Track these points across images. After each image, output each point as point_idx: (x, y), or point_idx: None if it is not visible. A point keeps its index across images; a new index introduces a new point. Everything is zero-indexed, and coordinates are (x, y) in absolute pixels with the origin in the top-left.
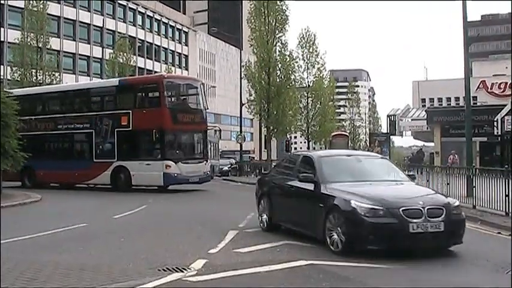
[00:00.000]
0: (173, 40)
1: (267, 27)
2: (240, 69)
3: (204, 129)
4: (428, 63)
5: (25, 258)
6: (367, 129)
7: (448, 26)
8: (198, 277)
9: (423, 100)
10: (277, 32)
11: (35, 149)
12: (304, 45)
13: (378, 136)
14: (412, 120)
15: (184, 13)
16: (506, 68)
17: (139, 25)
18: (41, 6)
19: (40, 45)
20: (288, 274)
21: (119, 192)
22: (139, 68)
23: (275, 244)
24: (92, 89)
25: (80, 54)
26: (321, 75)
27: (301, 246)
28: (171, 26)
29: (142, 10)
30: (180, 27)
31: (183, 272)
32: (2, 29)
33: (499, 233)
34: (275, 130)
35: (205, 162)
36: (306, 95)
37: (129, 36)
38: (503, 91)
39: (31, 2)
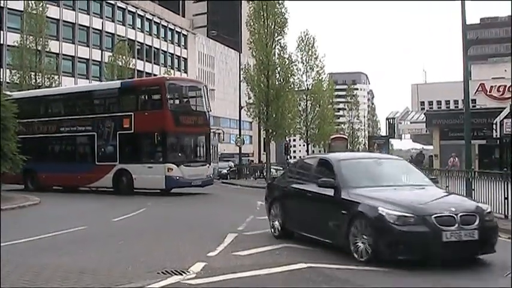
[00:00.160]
0: (172, 43)
1: (266, 30)
2: (239, 72)
3: (207, 132)
4: (427, 66)
5: (24, 261)
6: (366, 132)
7: (447, 29)
8: (197, 280)
9: (422, 103)
10: (276, 35)
11: (37, 151)
12: (303, 48)
13: (377, 139)
14: (411, 123)
15: (184, 16)
16: (505, 71)
17: (138, 28)
18: (40, 9)
19: (39, 48)
20: (288, 277)
21: (119, 196)
22: (138, 71)
23: (274, 247)
24: (94, 91)
25: (79, 57)
26: (320, 78)
27: (301, 249)
28: (170, 28)
29: (142, 13)
30: (179, 30)
31: (182, 275)
32: (1, 31)
33: (499, 235)
34: (274, 133)
35: (208, 165)
36: (305, 98)
37: (128, 39)
38: (502, 94)
39: (30, 4)
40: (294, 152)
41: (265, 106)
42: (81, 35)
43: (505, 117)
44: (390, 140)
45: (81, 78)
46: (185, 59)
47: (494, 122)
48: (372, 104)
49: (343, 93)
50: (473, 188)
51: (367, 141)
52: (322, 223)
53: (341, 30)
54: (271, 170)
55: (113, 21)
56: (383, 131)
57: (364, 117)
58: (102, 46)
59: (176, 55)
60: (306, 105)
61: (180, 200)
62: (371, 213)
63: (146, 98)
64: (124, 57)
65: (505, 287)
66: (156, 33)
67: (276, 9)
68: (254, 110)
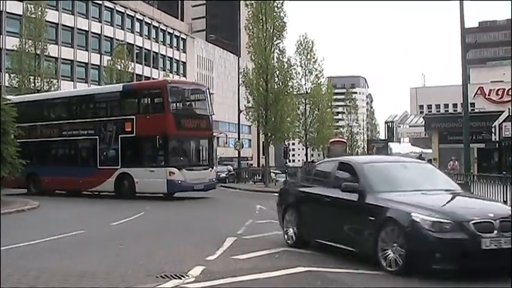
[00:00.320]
0: (171, 47)
1: (265, 34)
2: (238, 75)
3: (209, 135)
4: (426, 69)
5: (23, 264)
6: (365, 136)
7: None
8: (196, 284)
9: (421, 107)
10: (275, 38)
11: (39, 155)
12: (302, 51)
13: (376, 142)
14: (410, 126)
15: (182, 20)
16: (504, 74)
17: (137, 32)
18: (39, 13)
19: (38, 52)
20: (287, 281)
21: (119, 200)
22: (137, 75)
23: (273, 251)
24: (96, 94)
25: (78, 61)
26: (319, 81)
27: (300, 253)
28: (169, 32)
29: (140, 17)
30: (178, 34)
31: (181, 278)
32: (0, 36)
33: None
34: (273, 137)
35: (210, 169)
36: (303, 101)
37: (127, 43)
38: (501, 97)
39: (29, 8)
40: (293, 155)
41: (264, 110)
42: (80, 39)
43: (504, 121)
44: (389, 143)
45: (80, 82)
46: (184, 63)
47: (493, 125)
48: (371, 107)
49: (342, 96)
50: (472, 191)
51: (366, 145)
52: (344, 230)
53: (340, 33)
54: (271, 173)
55: (111, 25)
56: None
57: (363, 120)
58: (101, 50)
59: (175, 59)
60: (305, 108)
61: (179, 204)
62: (403, 219)
63: (148, 101)
64: (123, 61)
65: (505, 287)
66: (154, 37)
67: (274, 13)
68: (253, 113)
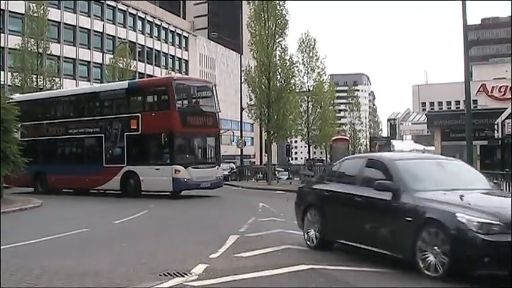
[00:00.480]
0: (173, 45)
1: (267, 32)
2: (240, 73)
3: (216, 133)
4: (429, 67)
5: (25, 263)
6: (368, 133)
7: (448, 30)
8: (199, 282)
9: (423, 104)
10: (277, 36)
11: (46, 154)
12: (304, 49)
13: (379, 140)
14: (412, 124)
15: (184, 18)
16: (507, 71)
17: (139, 30)
18: (41, 11)
19: (40, 50)
20: (289, 278)
21: (124, 198)
22: (139, 73)
23: (276, 248)
24: (101, 92)
25: (80, 60)
26: (321, 79)
27: (302, 251)
28: (171, 31)
29: (142, 15)
30: (180, 32)
31: (184, 276)
32: (2, 34)
33: None
34: (275, 134)
35: (217, 167)
36: (306, 99)
37: (129, 41)
38: (503, 94)
39: (31, 7)
40: (296, 153)
41: (266, 108)
42: (82, 37)
43: (507, 118)
44: (392, 141)
45: (82, 80)
46: (186, 61)
47: (496, 122)
48: (373, 105)
49: (345, 94)
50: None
51: (368, 142)
52: (377, 232)
53: (342, 31)
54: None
55: (113, 23)
56: (384, 132)
57: (366, 118)
58: (103, 48)
59: (177, 57)
60: (307, 106)
61: (181, 202)
62: (447, 220)
63: (153, 98)
64: (125, 59)
65: (504, 287)
66: (157, 35)
67: (276, 11)
68: (255, 111)
